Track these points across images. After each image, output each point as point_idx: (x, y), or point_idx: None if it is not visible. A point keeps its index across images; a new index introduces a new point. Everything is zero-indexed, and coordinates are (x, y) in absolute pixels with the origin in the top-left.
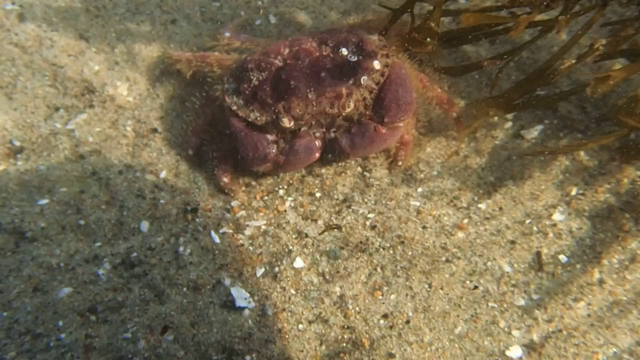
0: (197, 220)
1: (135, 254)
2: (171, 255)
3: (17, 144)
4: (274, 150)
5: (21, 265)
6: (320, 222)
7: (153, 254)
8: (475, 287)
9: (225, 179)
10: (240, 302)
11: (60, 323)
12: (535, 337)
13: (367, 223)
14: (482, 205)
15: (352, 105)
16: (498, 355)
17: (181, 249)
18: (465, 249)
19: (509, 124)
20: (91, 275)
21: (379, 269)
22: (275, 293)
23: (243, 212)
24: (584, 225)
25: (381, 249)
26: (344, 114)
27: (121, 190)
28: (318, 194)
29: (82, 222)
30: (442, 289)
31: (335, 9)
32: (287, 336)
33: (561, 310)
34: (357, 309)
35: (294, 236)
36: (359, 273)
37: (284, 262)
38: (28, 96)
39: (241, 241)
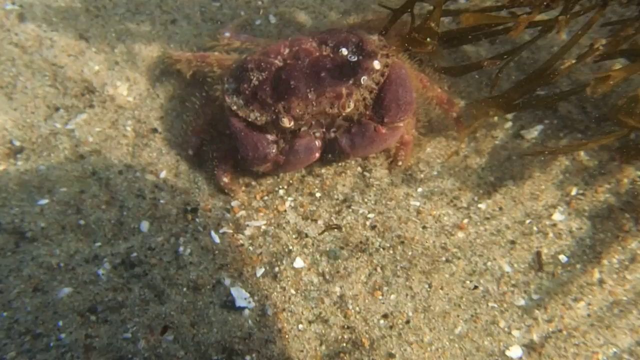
0: (197, 220)
1: (135, 254)
2: (171, 255)
3: (17, 144)
4: (274, 150)
5: (21, 265)
6: (320, 222)
7: (153, 254)
8: (475, 287)
9: (225, 179)
10: (240, 302)
11: (60, 323)
12: (535, 337)
13: (367, 223)
14: (482, 205)
15: (352, 105)
16: (498, 355)
17: (181, 249)
18: (465, 249)
19: (509, 124)
20: (91, 275)
21: (379, 269)
22: (275, 293)
23: (243, 212)
24: (584, 225)
25: (381, 249)
26: (344, 114)
27: (121, 190)
28: (318, 194)
29: (82, 222)
30: (442, 289)
31: (335, 9)
32: (287, 336)
33: (561, 310)
34: (357, 309)
35: (294, 236)
36: (359, 273)
37: (284, 262)
38: (28, 96)
39: (241, 241)
